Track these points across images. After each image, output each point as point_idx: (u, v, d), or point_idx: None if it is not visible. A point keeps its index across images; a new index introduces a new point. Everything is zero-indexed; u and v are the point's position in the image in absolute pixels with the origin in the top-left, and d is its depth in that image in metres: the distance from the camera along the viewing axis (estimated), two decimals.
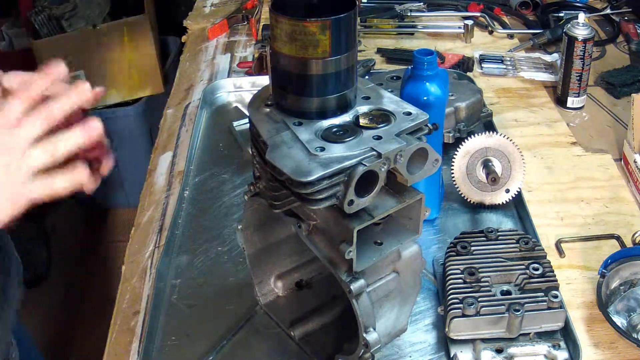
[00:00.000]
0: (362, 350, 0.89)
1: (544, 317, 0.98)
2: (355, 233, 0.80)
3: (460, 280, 1.01)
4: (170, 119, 1.65)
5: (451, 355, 1.00)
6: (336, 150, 0.79)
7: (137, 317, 1.10)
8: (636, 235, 1.17)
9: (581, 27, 1.53)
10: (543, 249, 1.06)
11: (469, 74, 1.66)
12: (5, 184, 0.72)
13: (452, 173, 1.25)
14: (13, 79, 0.76)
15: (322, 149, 0.79)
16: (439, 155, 0.84)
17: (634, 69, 1.72)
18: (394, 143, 0.80)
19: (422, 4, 2.03)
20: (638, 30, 1.90)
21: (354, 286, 0.85)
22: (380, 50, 1.84)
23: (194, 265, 1.20)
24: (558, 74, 1.63)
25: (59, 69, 0.76)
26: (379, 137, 0.81)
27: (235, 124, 1.54)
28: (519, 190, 1.26)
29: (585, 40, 1.52)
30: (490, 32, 1.95)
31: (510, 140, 1.22)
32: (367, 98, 0.88)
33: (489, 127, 1.45)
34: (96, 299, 2.47)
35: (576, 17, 1.56)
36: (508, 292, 1.00)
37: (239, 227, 1.01)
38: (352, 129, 0.82)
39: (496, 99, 1.63)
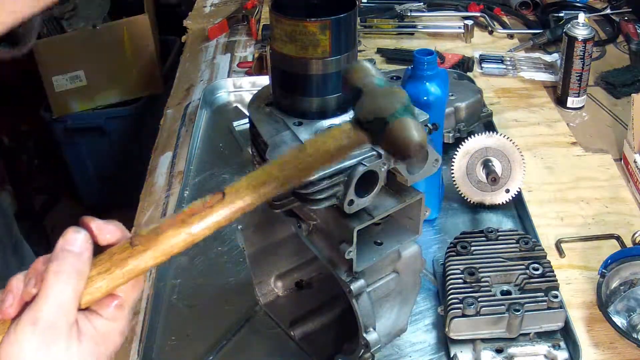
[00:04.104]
0: (362, 350, 0.89)
1: (544, 317, 0.98)
2: (355, 233, 0.80)
3: (460, 280, 1.01)
4: (170, 119, 1.65)
5: (451, 355, 1.00)
6: None
7: (137, 317, 1.10)
8: (636, 235, 1.16)
9: (581, 27, 1.53)
10: (543, 249, 1.06)
11: (469, 74, 1.66)
12: None
13: (452, 173, 1.25)
14: None
15: None
16: (439, 155, 0.84)
17: (634, 69, 1.72)
18: None
19: (422, 4, 2.03)
20: (638, 30, 1.90)
21: (354, 286, 0.85)
22: (380, 50, 1.84)
23: (194, 265, 1.20)
24: (558, 74, 1.63)
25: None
26: None
27: (235, 124, 1.54)
28: (519, 190, 1.26)
29: (585, 40, 1.52)
30: (490, 32, 1.95)
31: (510, 140, 1.22)
32: None
33: (489, 127, 1.45)
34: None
35: (576, 17, 1.56)
36: (508, 292, 1.00)
37: (239, 227, 1.01)
38: None
39: (496, 99, 1.63)
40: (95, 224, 0.64)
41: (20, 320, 0.59)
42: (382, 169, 0.79)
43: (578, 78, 1.56)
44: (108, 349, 0.63)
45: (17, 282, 0.62)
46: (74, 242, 0.61)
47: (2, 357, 0.59)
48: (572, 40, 1.53)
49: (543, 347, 0.99)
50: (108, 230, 0.64)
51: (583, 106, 1.60)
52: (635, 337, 1.02)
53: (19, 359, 0.58)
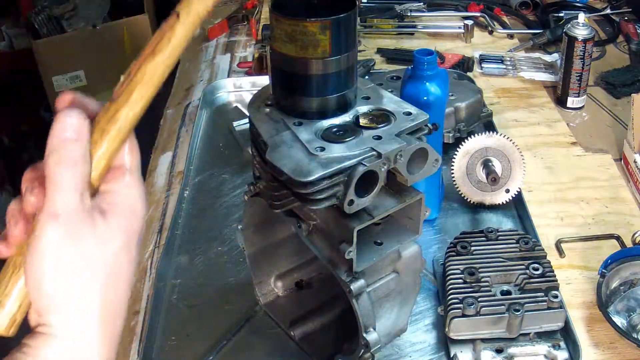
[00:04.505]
0: (362, 350, 0.89)
1: (544, 317, 0.98)
2: (355, 233, 0.80)
3: (460, 280, 1.01)
4: (170, 119, 1.65)
5: (451, 355, 1.00)
6: (336, 150, 0.79)
7: (137, 317, 1.10)
8: (636, 235, 1.16)
9: (581, 27, 1.53)
10: (543, 249, 1.06)
11: (469, 74, 1.66)
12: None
13: (452, 173, 1.25)
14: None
15: (322, 149, 0.79)
16: (439, 155, 0.84)
17: (634, 69, 1.72)
18: (394, 143, 0.80)
19: (422, 4, 2.03)
20: (638, 30, 1.90)
21: (354, 286, 0.85)
22: (380, 50, 1.84)
23: (194, 265, 1.20)
24: (558, 74, 1.63)
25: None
26: (379, 137, 0.81)
27: (235, 124, 1.54)
28: (519, 190, 1.26)
29: (585, 40, 1.52)
30: (490, 32, 1.95)
31: (510, 140, 1.22)
32: (367, 98, 0.88)
33: (489, 127, 1.45)
34: None
35: (576, 17, 1.56)
36: (508, 292, 1.00)
37: (239, 227, 1.01)
38: (352, 129, 0.82)
39: (496, 99, 1.63)
40: (78, 99, 0.59)
41: (38, 222, 0.53)
42: (382, 169, 0.79)
43: (578, 78, 1.56)
44: (137, 219, 0.58)
45: (13, 205, 0.57)
46: (70, 128, 0.55)
47: (30, 274, 0.52)
48: (572, 40, 1.53)
49: (543, 347, 0.99)
50: (91, 104, 0.60)
51: (583, 106, 1.60)
52: (635, 337, 1.02)
53: (47, 264, 0.52)
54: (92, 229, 0.54)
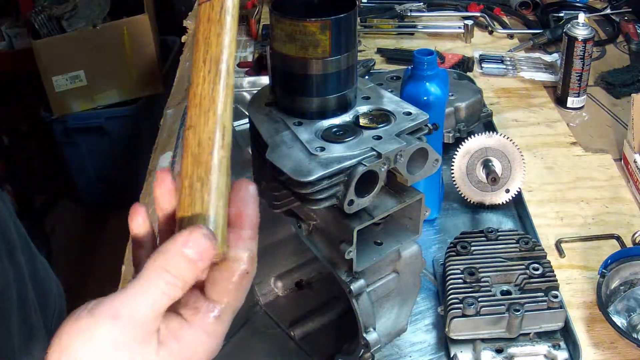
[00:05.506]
0: (362, 350, 0.89)
1: (544, 317, 0.98)
2: (355, 233, 0.80)
3: (460, 280, 1.01)
4: (170, 119, 1.65)
5: (451, 355, 1.00)
6: (336, 150, 0.79)
7: None
8: (636, 235, 1.16)
9: (581, 27, 1.53)
10: (543, 249, 1.06)
11: (469, 74, 1.66)
12: None
13: (452, 173, 1.25)
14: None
15: (322, 149, 0.79)
16: (439, 155, 0.84)
17: (634, 69, 1.72)
18: (394, 143, 0.80)
19: (422, 4, 2.03)
20: (638, 30, 1.91)
21: (354, 286, 0.85)
22: (380, 50, 1.84)
23: None
24: (558, 74, 1.63)
25: None
26: (379, 137, 0.81)
27: (235, 124, 1.54)
28: (519, 190, 1.26)
29: (585, 40, 1.52)
30: (490, 32, 1.95)
31: (510, 140, 1.22)
32: (367, 98, 0.88)
33: (489, 127, 1.45)
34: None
35: (576, 17, 1.56)
36: (508, 292, 1.00)
37: None
38: (352, 129, 0.82)
39: (496, 99, 1.63)
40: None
41: (100, 307, 0.50)
42: (382, 169, 0.79)
43: (578, 78, 1.56)
44: None
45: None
46: (196, 248, 0.52)
47: (65, 342, 0.50)
48: (572, 40, 1.53)
49: (543, 347, 0.99)
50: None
51: (583, 106, 1.60)
52: (635, 337, 1.02)
53: (82, 351, 0.49)
54: (139, 351, 0.51)
